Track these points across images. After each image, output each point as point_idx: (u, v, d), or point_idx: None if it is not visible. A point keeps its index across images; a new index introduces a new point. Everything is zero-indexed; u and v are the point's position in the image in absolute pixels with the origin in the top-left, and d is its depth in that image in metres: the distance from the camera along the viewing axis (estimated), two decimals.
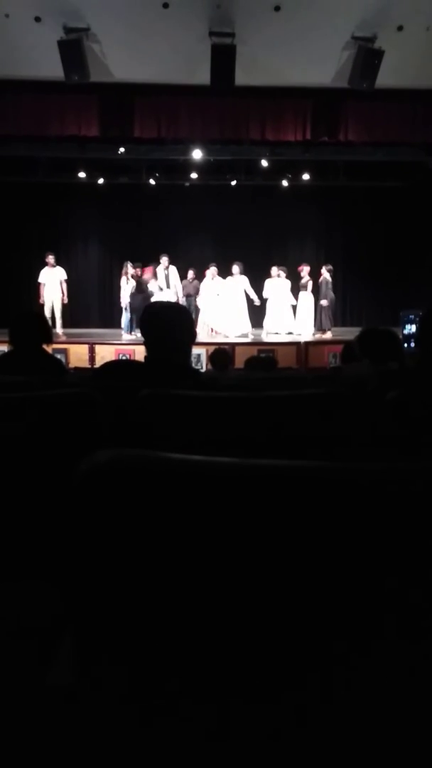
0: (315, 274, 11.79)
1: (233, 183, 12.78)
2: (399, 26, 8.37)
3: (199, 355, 9.08)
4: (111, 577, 0.62)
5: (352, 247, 14.04)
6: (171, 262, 11.66)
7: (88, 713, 0.65)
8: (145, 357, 2.27)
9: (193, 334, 2.36)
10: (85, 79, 8.62)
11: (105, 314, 13.61)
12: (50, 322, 10.11)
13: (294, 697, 0.63)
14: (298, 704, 0.63)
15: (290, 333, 11.39)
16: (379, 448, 1.54)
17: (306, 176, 12.59)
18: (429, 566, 0.61)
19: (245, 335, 11.19)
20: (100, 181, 12.71)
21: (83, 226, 14.03)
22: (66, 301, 11.38)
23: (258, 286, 11.62)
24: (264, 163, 11.82)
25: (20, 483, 1.34)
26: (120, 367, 2.89)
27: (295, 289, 11.69)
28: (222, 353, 6.69)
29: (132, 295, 11.30)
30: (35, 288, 11.57)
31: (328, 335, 11.40)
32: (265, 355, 8.11)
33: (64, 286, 11.33)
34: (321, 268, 11.89)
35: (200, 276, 11.92)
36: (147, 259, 12.12)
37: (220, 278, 11.55)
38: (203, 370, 7.87)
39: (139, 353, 8.77)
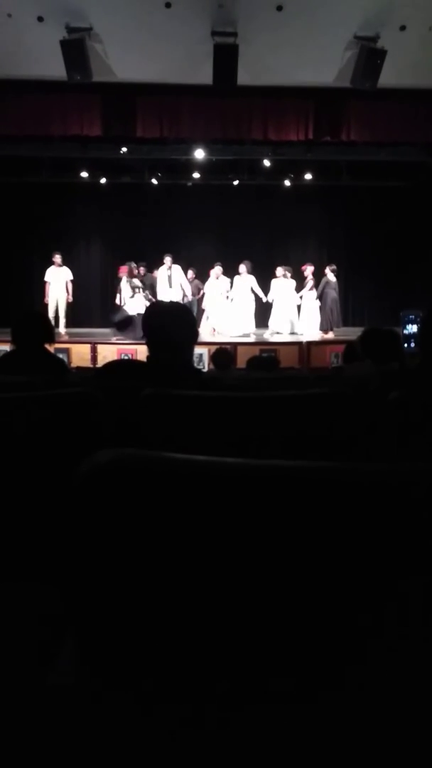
0: (318, 274, 11.79)
1: (235, 183, 12.79)
2: (402, 26, 8.36)
3: (201, 355, 9.08)
4: (112, 577, 0.62)
5: (355, 246, 14.03)
6: (174, 262, 11.68)
7: (90, 713, 0.65)
8: (147, 357, 2.27)
9: (195, 334, 2.36)
10: (88, 79, 8.63)
11: (107, 314, 13.60)
12: (53, 322, 10.21)
13: (294, 698, 0.63)
14: (299, 705, 0.63)
15: (293, 333, 11.39)
16: (381, 448, 1.54)
17: (308, 176, 12.59)
18: (430, 566, 0.61)
19: (247, 335, 11.18)
20: (103, 180, 12.72)
21: (85, 226, 14.04)
22: (71, 300, 11.43)
23: (261, 286, 11.63)
24: (266, 162, 11.83)
25: (21, 483, 1.34)
26: (122, 366, 2.89)
27: (299, 289, 11.70)
28: (224, 353, 6.69)
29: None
30: (37, 287, 11.59)
31: (330, 335, 11.40)
32: (267, 355, 8.11)
33: (70, 285, 11.39)
34: (325, 267, 11.89)
35: (202, 275, 11.93)
36: (149, 259, 12.16)
37: (225, 277, 11.57)
38: (205, 369, 7.87)
39: (141, 353, 8.77)
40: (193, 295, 11.82)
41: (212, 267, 11.73)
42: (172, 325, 2.26)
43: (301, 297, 11.66)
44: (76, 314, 12.09)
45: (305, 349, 10.26)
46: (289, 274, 11.67)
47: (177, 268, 11.65)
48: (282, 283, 11.62)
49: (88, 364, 9.47)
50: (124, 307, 11.02)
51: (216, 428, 1.44)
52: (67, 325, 11.44)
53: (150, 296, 11.09)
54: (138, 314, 10.46)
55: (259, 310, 11.68)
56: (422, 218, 12.78)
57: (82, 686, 0.66)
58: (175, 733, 0.64)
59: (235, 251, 12.65)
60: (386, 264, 13.71)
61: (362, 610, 0.62)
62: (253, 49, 8.34)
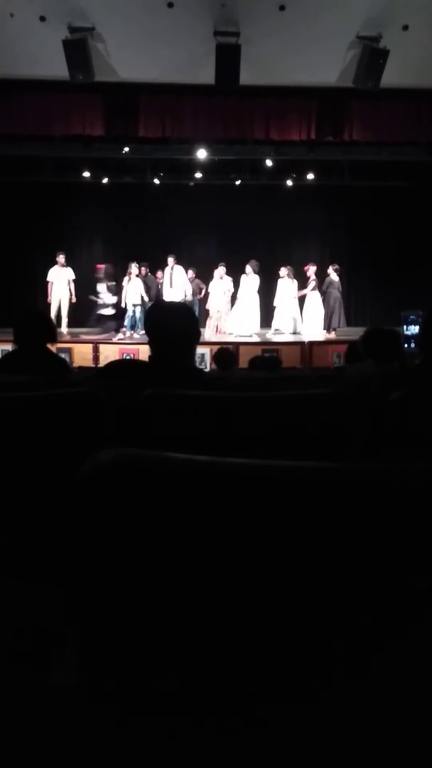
0: (321, 274, 11.79)
1: (237, 183, 12.78)
2: (404, 26, 8.35)
3: (203, 355, 9.09)
4: (115, 577, 0.62)
5: (357, 246, 14.01)
6: (176, 262, 11.72)
7: (91, 713, 0.65)
8: (149, 357, 2.27)
9: (197, 334, 2.36)
10: (90, 79, 8.63)
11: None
12: (56, 321, 10.25)
13: (294, 698, 0.63)
14: (300, 705, 0.63)
15: (295, 333, 11.39)
16: (384, 448, 1.54)
17: (310, 176, 12.57)
18: (430, 566, 0.61)
19: (249, 335, 11.19)
20: (105, 180, 12.71)
21: (87, 226, 14.04)
22: (74, 300, 11.48)
23: (263, 285, 11.65)
24: (268, 162, 11.82)
25: (23, 483, 1.34)
26: (124, 366, 2.90)
27: (302, 289, 11.71)
28: (226, 353, 6.68)
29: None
30: (40, 287, 11.61)
31: (332, 335, 11.39)
32: (269, 355, 8.10)
33: (72, 285, 11.43)
34: (327, 267, 11.88)
35: (204, 275, 11.93)
36: (152, 259, 12.16)
37: (228, 277, 11.59)
38: (207, 369, 7.87)
39: (143, 353, 8.79)
40: (195, 294, 11.83)
41: (215, 267, 11.76)
42: (174, 324, 2.26)
43: (303, 297, 11.66)
44: (79, 314, 12.10)
45: (307, 349, 10.26)
46: (291, 274, 11.68)
47: (179, 269, 11.70)
48: (285, 283, 11.64)
49: (90, 363, 9.49)
50: (99, 303, 11.33)
51: (218, 428, 1.44)
52: (69, 324, 11.46)
53: (108, 293, 11.29)
54: (108, 310, 11.06)
55: (262, 310, 11.69)
56: (425, 218, 12.76)
57: (84, 686, 0.67)
58: (176, 734, 0.64)
59: (237, 251, 12.65)
60: (388, 264, 13.70)
61: (363, 610, 0.62)
62: (256, 48, 8.34)
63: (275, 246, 13.86)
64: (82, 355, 9.95)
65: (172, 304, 7.08)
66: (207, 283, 11.90)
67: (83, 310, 12.34)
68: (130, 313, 11.39)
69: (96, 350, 10.05)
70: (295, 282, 11.69)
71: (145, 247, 13.22)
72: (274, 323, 11.65)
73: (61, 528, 1.17)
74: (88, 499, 0.62)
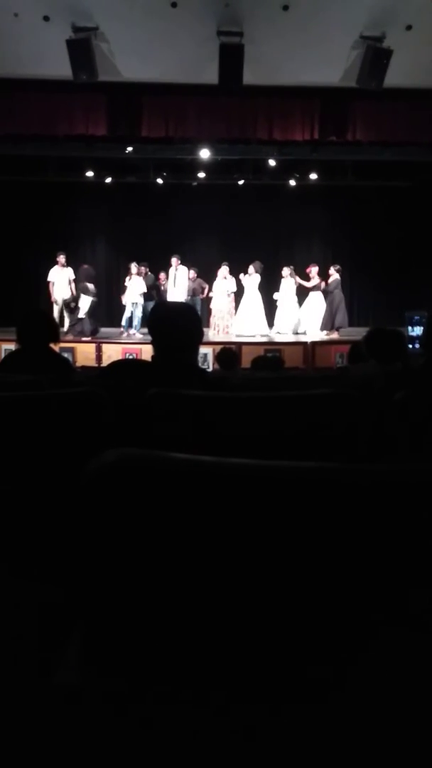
0: (324, 275, 11.78)
1: (241, 182, 12.77)
2: (408, 26, 8.34)
3: (205, 355, 9.08)
4: (119, 576, 0.62)
5: (360, 246, 14.00)
6: (180, 262, 11.75)
7: (93, 713, 0.66)
8: (152, 356, 2.27)
9: (201, 334, 2.36)
10: (94, 79, 8.64)
11: (112, 313, 13.62)
12: (58, 321, 10.26)
13: (295, 698, 0.64)
14: (299, 705, 0.64)
15: (297, 333, 11.39)
16: (386, 448, 1.54)
17: (314, 176, 12.56)
18: (430, 566, 0.61)
19: (254, 336, 11.20)
20: (108, 180, 12.72)
21: (91, 225, 14.05)
22: None
23: (265, 286, 11.65)
24: (272, 162, 11.81)
25: (27, 482, 1.35)
26: (127, 366, 2.90)
27: (302, 289, 11.70)
28: (229, 353, 6.68)
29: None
30: (43, 287, 11.62)
31: (334, 335, 11.38)
32: (271, 355, 8.10)
33: (72, 285, 11.44)
34: (329, 268, 11.87)
35: (207, 275, 11.94)
36: (154, 258, 12.16)
37: (232, 277, 11.61)
38: (210, 369, 7.87)
39: (146, 352, 8.78)
40: (196, 294, 11.84)
41: (218, 267, 11.76)
42: (178, 324, 2.26)
43: (307, 297, 11.67)
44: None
45: (310, 349, 10.26)
46: (293, 274, 11.69)
47: (183, 269, 11.73)
48: (287, 283, 11.65)
49: (93, 363, 9.49)
50: (80, 305, 11.20)
51: (221, 428, 1.45)
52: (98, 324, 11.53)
53: (87, 297, 11.18)
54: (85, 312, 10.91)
55: (266, 310, 11.70)
56: (428, 218, 12.75)
57: (87, 685, 0.67)
58: (178, 731, 0.64)
59: (240, 251, 12.65)
60: (391, 264, 13.68)
61: (363, 610, 0.62)
62: (259, 48, 8.33)
63: (278, 246, 13.86)
64: (85, 354, 9.96)
65: (175, 304, 7.09)
66: (210, 283, 11.91)
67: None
68: (128, 313, 11.42)
69: (99, 350, 10.06)
70: (297, 281, 11.69)
71: (148, 246, 13.23)
72: (277, 323, 11.66)
73: (65, 527, 1.17)
74: (93, 498, 0.62)
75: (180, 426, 1.46)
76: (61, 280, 11.45)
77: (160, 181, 12.74)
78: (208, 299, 11.78)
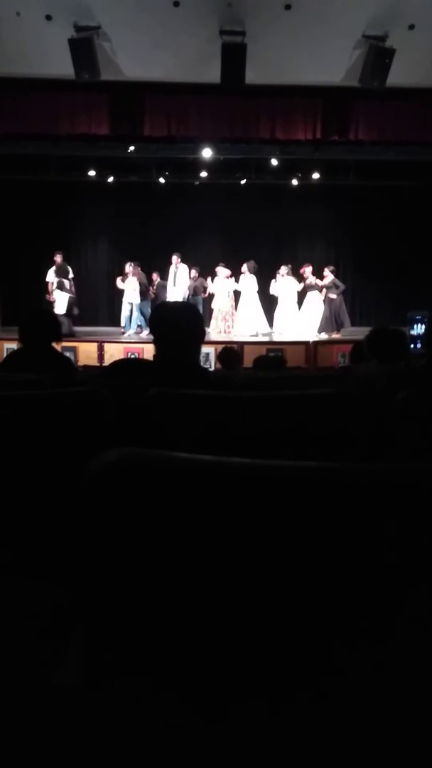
0: (318, 276, 11.76)
1: (243, 182, 12.76)
2: (410, 25, 8.34)
3: (207, 354, 9.09)
4: (120, 576, 0.62)
5: (362, 246, 13.98)
6: (181, 261, 11.74)
7: (96, 712, 0.66)
8: (154, 355, 2.27)
9: (202, 333, 2.36)
10: (96, 78, 8.64)
11: (114, 312, 13.63)
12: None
13: (295, 698, 0.63)
14: (299, 705, 0.63)
15: (282, 333, 11.36)
16: (388, 448, 1.54)
17: (316, 175, 12.56)
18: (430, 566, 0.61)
19: (255, 335, 11.19)
20: (110, 179, 12.72)
21: (93, 225, 14.05)
22: (75, 298, 11.47)
23: (264, 284, 11.65)
24: (274, 162, 11.81)
25: (28, 481, 1.35)
26: (129, 365, 2.90)
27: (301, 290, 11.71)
28: (230, 352, 6.69)
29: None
30: (45, 286, 11.62)
31: (337, 335, 11.36)
32: (273, 355, 8.11)
33: (72, 284, 11.42)
34: (323, 269, 11.81)
35: (207, 274, 11.94)
36: (156, 258, 12.17)
37: (232, 278, 11.61)
38: (212, 369, 7.87)
39: (148, 352, 8.79)
40: (197, 293, 11.84)
41: (219, 266, 11.75)
42: (180, 323, 2.26)
43: (304, 296, 11.66)
44: (84, 313, 12.11)
45: (312, 348, 10.25)
46: (290, 273, 11.68)
47: (183, 267, 11.71)
48: (286, 282, 11.64)
49: (94, 362, 9.50)
50: (57, 303, 10.85)
51: (223, 428, 1.45)
52: (73, 323, 11.46)
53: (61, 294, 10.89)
54: (63, 311, 10.35)
55: (265, 309, 11.70)
56: (430, 218, 12.73)
57: (89, 685, 0.67)
58: (179, 731, 0.64)
59: (242, 250, 12.65)
60: (394, 264, 13.66)
61: (363, 610, 0.62)
62: (262, 48, 8.33)
63: (280, 245, 13.85)
64: (87, 353, 9.96)
65: (177, 303, 7.09)
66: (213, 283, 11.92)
67: (89, 309, 12.37)
68: (126, 312, 11.42)
69: (101, 349, 10.06)
70: (294, 281, 11.69)
71: (150, 246, 13.23)
72: (275, 322, 11.65)
73: (66, 527, 1.17)
74: (95, 498, 0.62)
75: (182, 425, 1.46)
76: None
77: (162, 180, 12.74)
78: (210, 298, 11.78)
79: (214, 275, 11.75)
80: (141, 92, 9.46)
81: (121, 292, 11.71)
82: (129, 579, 0.62)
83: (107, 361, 9.16)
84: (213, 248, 13.58)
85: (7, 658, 1.01)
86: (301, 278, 11.73)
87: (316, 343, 10.47)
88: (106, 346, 10.14)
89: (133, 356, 9.09)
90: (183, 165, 12.26)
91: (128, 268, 11.55)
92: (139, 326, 11.26)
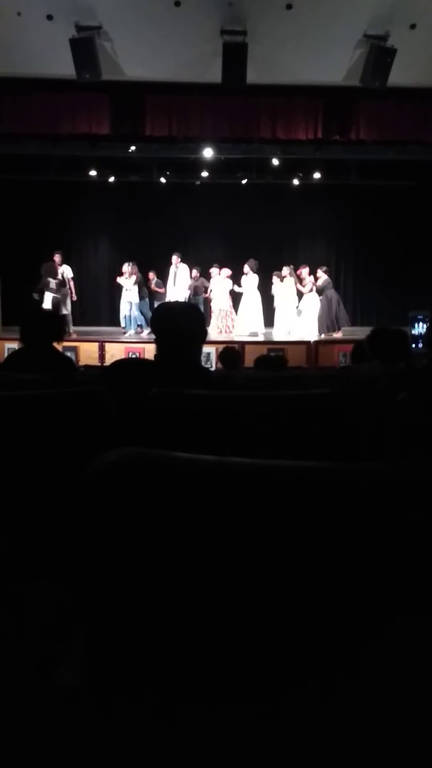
0: (313, 277, 11.76)
1: (244, 182, 12.76)
2: (411, 24, 8.33)
3: (208, 354, 9.08)
4: (121, 575, 0.62)
5: (363, 245, 13.97)
6: (182, 260, 11.73)
7: (94, 713, 0.66)
8: (155, 355, 2.27)
9: (204, 333, 2.36)
10: (97, 78, 8.64)
11: (115, 312, 13.64)
12: None
13: (295, 699, 0.64)
14: (299, 705, 0.64)
15: (289, 333, 11.36)
16: (389, 448, 1.54)
17: (317, 175, 12.55)
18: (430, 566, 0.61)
19: (255, 334, 11.18)
20: (111, 179, 12.72)
21: (94, 224, 14.05)
22: (75, 298, 11.47)
23: (267, 285, 11.65)
24: (275, 161, 11.81)
25: (29, 480, 1.35)
26: (130, 365, 2.90)
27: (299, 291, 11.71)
28: (232, 352, 6.68)
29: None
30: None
31: (338, 335, 11.35)
32: (274, 354, 8.10)
33: (72, 283, 11.41)
34: (317, 270, 11.78)
35: (208, 274, 11.94)
36: (157, 258, 12.17)
37: (230, 279, 11.62)
38: (213, 368, 7.87)
39: (149, 351, 8.79)
40: (198, 293, 11.84)
41: (220, 266, 11.76)
42: (181, 323, 2.26)
43: (301, 297, 11.66)
44: (85, 313, 12.12)
45: (313, 348, 10.25)
46: (291, 273, 11.68)
47: (183, 267, 11.70)
48: (286, 282, 11.64)
49: (96, 362, 9.50)
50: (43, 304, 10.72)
51: (223, 427, 1.45)
52: (74, 323, 11.46)
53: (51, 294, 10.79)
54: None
55: (264, 309, 11.70)
56: (431, 217, 12.72)
57: (89, 684, 0.67)
58: (179, 731, 0.64)
59: (243, 250, 12.64)
60: (395, 263, 13.65)
61: (363, 610, 0.62)
62: (263, 47, 8.33)
63: (281, 245, 13.84)
64: (88, 353, 9.96)
65: (179, 303, 7.09)
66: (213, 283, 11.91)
67: (91, 309, 12.37)
68: (125, 312, 11.42)
69: (102, 349, 10.06)
70: (293, 281, 11.68)
71: (151, 246, 13.23)
72: (276, 323, 11.65)
73: (67, 526, 1.17)
74: (96, 497, 0.62)
75: (183, 425, 1.46)
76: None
77: (163, 180, 12.74)
78: (210, 298, 11.78)
79: (209, 277, 11.76)
80: (142, 92, 9.45)
81: (121, 292, 11.72)
82: (130, 578, 0.62)
83: (108, 361, 9.16)
84: (214, 248, 13.58)
85: (7, 657, 1.01)
86: (300, 280, 11.73)
87: (317, 342, 10.46)
88: (107, 345, 10.14)
89: (134, 356, 9.09)
90: (184, 165, 12.26)
91: (126, 267, 11.55)
92: (139, 326, 11.27)
